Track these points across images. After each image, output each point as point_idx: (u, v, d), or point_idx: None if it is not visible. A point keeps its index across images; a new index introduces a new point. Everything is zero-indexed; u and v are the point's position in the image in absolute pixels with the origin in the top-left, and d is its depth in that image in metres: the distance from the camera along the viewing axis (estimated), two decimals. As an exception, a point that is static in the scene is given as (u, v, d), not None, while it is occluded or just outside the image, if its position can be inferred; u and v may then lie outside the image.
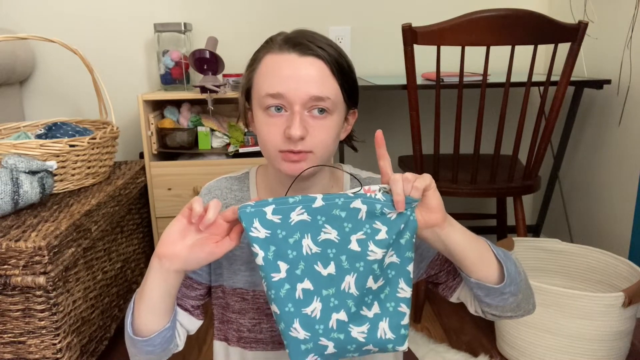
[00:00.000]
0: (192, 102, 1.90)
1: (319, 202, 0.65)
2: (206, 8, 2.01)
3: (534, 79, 1.50)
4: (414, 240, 0.68)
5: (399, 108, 2.14)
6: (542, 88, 1.53)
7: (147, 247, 1.84)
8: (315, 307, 0.65)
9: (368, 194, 0.67)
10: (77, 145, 1.41)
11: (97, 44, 2.01)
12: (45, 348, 1.12)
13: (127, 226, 1.63)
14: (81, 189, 1.47)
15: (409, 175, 0.67)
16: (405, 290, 0.68)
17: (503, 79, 1.50)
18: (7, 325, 1.11)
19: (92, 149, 1.47)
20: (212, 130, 1.80)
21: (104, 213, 1.40)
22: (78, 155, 1.43)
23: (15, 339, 1.12)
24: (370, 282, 0.66)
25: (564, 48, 1.43)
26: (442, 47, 1.42)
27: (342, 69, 0.75)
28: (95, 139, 1.47)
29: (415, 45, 1.42)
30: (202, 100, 1.84)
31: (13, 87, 1.94)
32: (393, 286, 0.68)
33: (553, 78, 1.49)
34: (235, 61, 1.85)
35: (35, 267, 1.06)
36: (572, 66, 1.43)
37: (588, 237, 1.88)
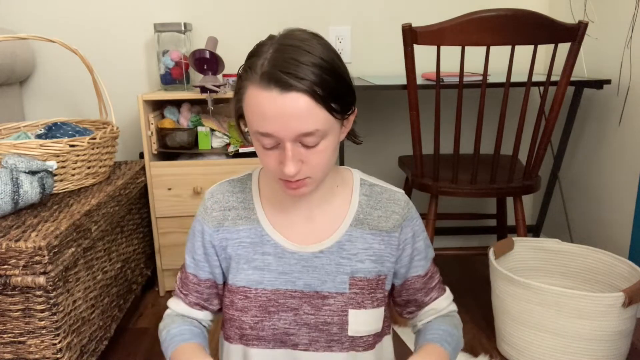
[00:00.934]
0: (192, 102, 1.90)
1: None
2: (206, 8, 2.01)
3: (534, 79, 1.50)
4: None
5: (399, 108, 2.14)
6: (542, 88, 1.53)
7: (147, 247, 1.84)
8: None
9: None
10: (77, 145, 1.41)
11: (97, 44, 2.01)
12: (45, 348, 1.12)
13: (127, 226, 1.63)
14: (81, 189, 1.47)
15: None
16: None
17: (503, 79, 1.50)
18: (7, 325, 1.11)
19: (92, 149, 1.47)
20: (212, 130, 1.80)
21: (104, 213, 1.40)
22: (78, 155, 1.43)
23: (15, 339, 1.12)
24: None
25: (564, 48, 1.43)
26: (442, 47, 1.42)
27: (329, 89, 0.70)
28: (95, 139, 1.47)
29: (415, 45, 1.42)
30: (202, 100, 1.84)
31: (13, 87, 1.94)
32: None
33: (553, 78, 1.49)
34: (235, 61, 1.84)
35: (35, 267, 1.06)
36: (572, 66, 1.43)
37: (588, 237, 1.88)
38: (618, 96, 1.69)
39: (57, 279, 1.12)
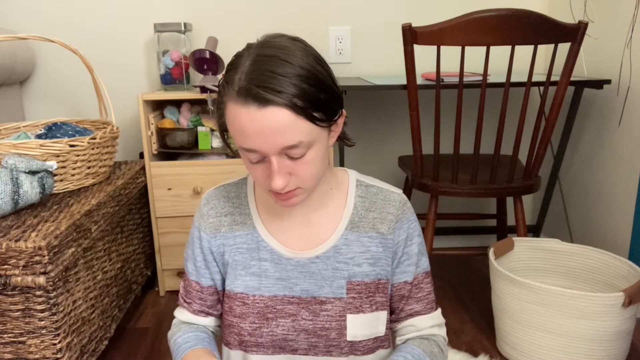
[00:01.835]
0: (192, 102, 1.90)
1: None
2: (206, 8, 2.01)
3: (534, 79, 1.51)
4: None
5: (399, 108, 2.14)
6: (542, 88, 1.53)
7: (147, 247, 1.84)
8: None
9: None
10: (77, 145, 1.41)
11: (97, 44, 2.01)
12: (45, 348, 1.12)
13: (127, 226, 1.63)
14: (81, 189, 1.47)
15: None
16: None
17: (503, 79, 1.50)
18: (7, 325, 1.11)
19: (92, 149, 1.47)
20: (212, 130, 1.80)
21: (104, 213, 1.40)
22: (78, 155, 1.43)
23: (15, 339, 1.12)
24: None
25: (564, 48, 1.43)
26: (442, 47, 1.42)
27: (310, 100, 0.67)
28: (95, 139, 1.47)
29: (415, 45, 1.42)
30: (202, 100, 1.84)
31: (13, 87, 1.94)
32: None
33: (553, 78, 1.49)
34: (235, 61, 1.84)
35: (35, 267, 1.06)
36: (572, 66, 1.43)
37: (588, 237, 1.88)
38: (618, 96, 1.69)
39: (57, 279, 1.12)
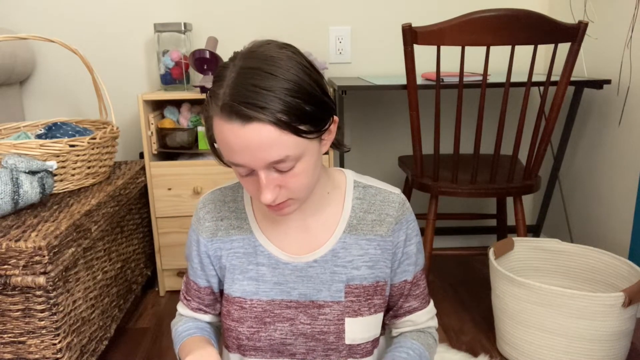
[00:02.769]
0: (192, 102, 1.90)
1: None
2: (206, 8, 2.02)
3: (534, 79, 1.51)
4: None
5: (399, 108, 2.14)
6: (542, 88, 1.53)
7: (147, 247, 1.84)
8: None
9: None
10: (77, 145, 1.41)
11: (97, 44, 2.01)
12: (45, 348, 1.12)
13: (127, 226, 1.63)
14: (81, 189, 1.47)
15: None
16: None
17: (503, 79, 1.50)
18: (7, 325, 1.11)
19: (92, 149, 1.47)
20: (212, 130, 1.80)
21: (104, 213, 1.40)
22: (78, 155, 1.43)
23: (15, 339, 1.12)
24: None
25: (564, 48, 1.43)
26: (442, 47, 1.42)
27: (296, 113, 0.66)
28: (95, 139, 1.47)
29: (415, 45, 1.42)
30: (202, 100, 1.84)
31: (13, 87, 1.94)
32: None
33: (553, 78, 1.49)
34: (235, 61, 1.84)
35: (35, 267, 1.06)
36: (572, 66, 1.43)
37: (588, 237, 1.88)
38: (618, 96, 1.69)
39: (57, 279, 1.12)
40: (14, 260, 1.06)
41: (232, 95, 0.65)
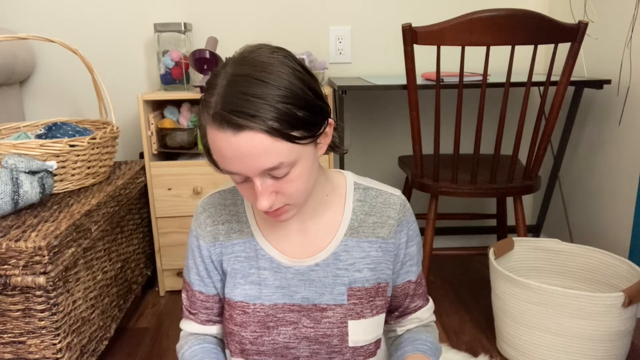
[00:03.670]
0: (192, 102, 1.90)
1: None
2: (206, 8, 2.02)
3: (534, 79, 1.51)
4: None
5: (399, 108, 2.14)
6: (542, 88, 1.53)
7: (147, 247, 1.84)
8: None
9: None
10: (77, 145, 1.41)
11: (97, 44, 2.01)
12: (45, 348, 1.12)
13: (127, 226, 1.63)
14: (81, 189, 1.47)
15: None
16: None
17: (503, 79, 1.50)
18: (7, 325, 1.11)
19: (92, 149, 1.47)
20: (212, 130, 1.80)
21: (104, 213, 1.40)
22: (78, 155, 1.43)
23: (15, 339, 1.12)
24: None
25: (564, 48, 1.43)
26: (442, 47, 1.42)
27: (289, 120, 0.65)
28: (95, 139, 1.47)
29: (415, 45, 1.42)
30: (202, 100, 1.84)
31: (13, 87, 1.94)
32: None
33: (553, 78, 1.49)
34: (235, 61, 1.84)
35: (35, 267, 1.06)
36: (572, 66, 1.43)
37: (588, 237, 1.88)
38: (618, 96, 1.69)
39: (57, 279, 1.12)
40: (14, 260, 1.06)
41: (223, 104, 0.64)
